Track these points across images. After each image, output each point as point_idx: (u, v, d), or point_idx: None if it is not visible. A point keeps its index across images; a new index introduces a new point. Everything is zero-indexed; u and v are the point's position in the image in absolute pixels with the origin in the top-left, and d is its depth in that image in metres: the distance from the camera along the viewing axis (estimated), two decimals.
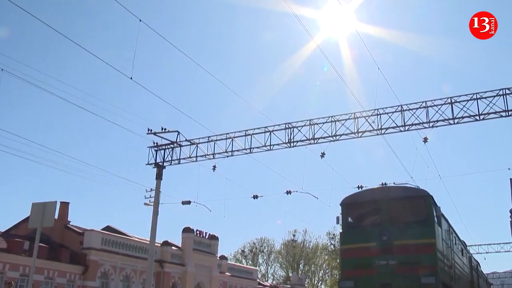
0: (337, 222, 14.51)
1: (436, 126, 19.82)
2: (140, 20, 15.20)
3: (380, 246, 13.37)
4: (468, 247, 32.54)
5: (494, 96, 18.72)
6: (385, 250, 13.20)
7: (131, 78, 16.45)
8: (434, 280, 12.23)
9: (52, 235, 32.14)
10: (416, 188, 15.08)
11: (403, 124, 19.96)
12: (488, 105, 18.80)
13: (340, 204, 14.93)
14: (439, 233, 13.75)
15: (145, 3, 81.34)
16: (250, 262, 75.92)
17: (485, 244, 48.84)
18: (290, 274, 69.88)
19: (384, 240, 13.29)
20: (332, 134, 20.87)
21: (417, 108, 19.87)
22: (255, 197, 25.95)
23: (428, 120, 19.64)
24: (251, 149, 22.51)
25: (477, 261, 28.61)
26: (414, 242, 13.03)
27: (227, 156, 23.18)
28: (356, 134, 20.70)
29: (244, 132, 22.78)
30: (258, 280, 54.35)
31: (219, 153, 23.22)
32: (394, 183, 15.85)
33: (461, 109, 19.16)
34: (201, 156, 23.72)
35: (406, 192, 14.55)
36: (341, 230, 15.17)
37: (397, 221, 13.84)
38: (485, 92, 18.97)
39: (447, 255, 14.81)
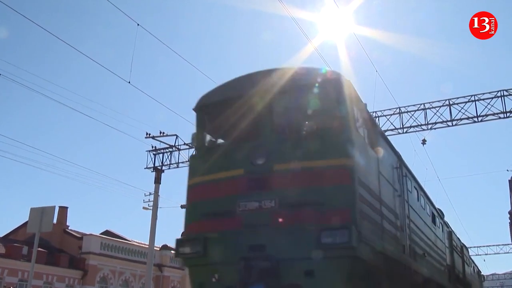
0: (192, 145, 8.00)
1: (435, 128, 19.87)
2: (138, 24, 15.19)
3: (251, 175, 6.75)
4: (468, 249, 31.88)
5: (492, 98, 18.77)
6: (259, 183, 6.64)
7: (129, 82, 16.40)
8: (347, 238, 5.82)
9: (51, 240, 32.06)
10: (317, 69, 7.37)
11: (401, 126, 19.99)
12: (486, 106, 18.86)
13: (194, 109, 7.95)
14: (365, 153, 7.17)
15: (143, 7, 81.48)
16: None
17: (484, 246, 48.75)
18: None
19: (258, 165, 6.75)
20: None
21: (415, 110, 19.92)
22: None
23: (426, 122, 19.68)
24: None
25: (463, 244, 19.80)
26: (310, 166, 6.49)
27: None
28: None
29: None
30: None
31: None
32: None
33: (459, 111, 19.20)
34: None
35: (301, 76, 7.17)
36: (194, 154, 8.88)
37: (283, 129, 7.25)
38: (483, 93, 19.04)
39: (388, 202, 7.94)
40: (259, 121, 7.09)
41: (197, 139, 7.86)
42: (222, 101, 7.49)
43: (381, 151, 8.03)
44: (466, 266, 19.26)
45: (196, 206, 7.21)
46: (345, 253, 5.84)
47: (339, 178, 6.30)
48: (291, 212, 6.27)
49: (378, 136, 8.24)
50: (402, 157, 10.01)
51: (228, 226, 6.66)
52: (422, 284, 9.87)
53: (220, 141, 7.92)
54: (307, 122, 6.87)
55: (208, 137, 7.92)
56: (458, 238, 18.61)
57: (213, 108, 7.67)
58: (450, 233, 15.87)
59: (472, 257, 30.21)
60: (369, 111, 9.12)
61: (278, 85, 7.08)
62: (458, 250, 17.61)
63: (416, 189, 10.85)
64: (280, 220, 6.28)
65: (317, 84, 6.98)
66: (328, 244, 5.82)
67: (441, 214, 14.55)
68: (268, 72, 7.25)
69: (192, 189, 7.41)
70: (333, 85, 6.84)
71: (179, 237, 7.52)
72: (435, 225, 12.87)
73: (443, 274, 13.23)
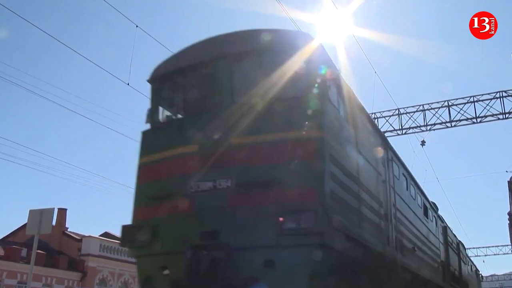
0: (146, 120, 6.72)
1: (434, 129, 19.92)
2: (137, 26, 15.21)
3: (206, 151, 5.77)
4: (466, 250, 31.85)
5: (491, 99, 18.82)
6: (214, 160, 5.68)
7: (128, 84, 16.41)
8: (313, 222, 4.90)
9: (50, 242, 32.01)
10: (283, 31, 6.43)
11: (400, 127, 20.03)
12: (485, 107, 18.94)
13: (149, 81, 6.92)
14: (339, 126, 6.18)
15: (142, 8, 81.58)
16: None
17: (483, 247, 48.79)
18: None
19: (214, 140, 5.75)
20: None
21: (414, 112, 19.96)
22: None
23: (425, 123, 19.74)
24: None
25: (459, 241, 18.35)
26: (273, 139, 5.53)
27: None
28: None
29: None
30: None
31: None
32: None
33: (458, 112, 19.27)
34: None
35: (264, 40, 6.08)
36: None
37: (244, 99, 5.95)
38: (482, 95, 19.10)
39: (369, 187, 6.92)
40: (216, 90, 6.10)
41: (151, 114, 6.63)
42: (179, 70, 6.62)
43: (360, 127, 6.92)
44: (462, 264, 18.12)
45: (145, 189, 6.18)
46: (311, 241, 4.90)
47: (306, 153, 5.24)
48: (249, 193, 5.28)
49: (358, 111, 7.07)
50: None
51: (178, 210, 5.62)
52: (411, 281, 9.06)
53: (179, 116, 6.89)
54: (270, 90, 5.73)
55: (165, 113, 6.88)
56: (454, 235, 17.50)
57: (169, 78, 6.77)
58: (445, 228, 14.84)
59: (471, 258, 30.18)
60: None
61: (238, 50, 6.09)
62: (454, 246, 16.28)
63: (405, 177, 9.83)
64: (237, 202, 5.27)
65: (282, 48, 5.90)
66: (290, 229, 4.87)
67: (434, 207, 13.49)
68: (228, 36, 6.28)
69: (141, 170, 6.40)
70: (300, 49, 5.78)
71: (126, 223, 6.25)
72: (427, 218, 11.79)
73: (437, 271, 12.27)
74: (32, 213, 12.39)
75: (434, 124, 19.67)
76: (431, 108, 19.68)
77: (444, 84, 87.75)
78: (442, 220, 14.85)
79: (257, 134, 5.52)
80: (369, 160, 7.17)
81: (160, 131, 6.49)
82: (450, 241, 15.57)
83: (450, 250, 14.99)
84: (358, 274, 6.16)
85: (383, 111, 20.47)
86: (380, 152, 7.92)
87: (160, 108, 6.78)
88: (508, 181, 35.17)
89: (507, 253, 48.32)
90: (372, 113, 20.45)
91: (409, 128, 19.98)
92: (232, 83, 6.06)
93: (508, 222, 43.17)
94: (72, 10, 78.69)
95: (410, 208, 9.76)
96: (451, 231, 16.65)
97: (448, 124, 19.52)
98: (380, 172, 7.76)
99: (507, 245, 47.50)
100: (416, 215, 10.40)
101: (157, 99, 6.80)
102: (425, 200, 11.96)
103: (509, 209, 41.76)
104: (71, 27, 78.97)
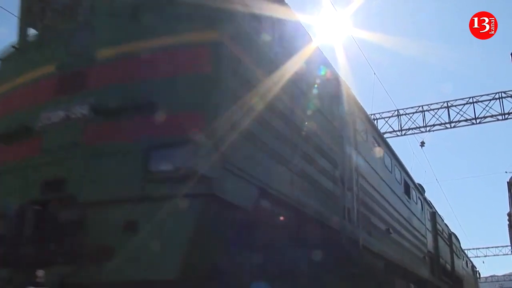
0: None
1: (433, 130, 19.91)
2: None
3: (63, 72, 4.18)
4: (466, 251, 31.43)
5: (490, 100, 18.82)
6: (72, 82, 4.07)
7: None
8: (193, 159, 3.25)
9: None
10: None
11: (400, 128, 20.02)
12: (484, 108, 18.93)
13: None
14: (248, 29, 4.34)
15: None
16: None
17: (483, 248, 48.73)
18: None
19: (74, 56, 4.18)
20: None
21: (413, 113, 19.96)
22: None
23: (424, 124, 19.73)
24: None
25: (452, 232, 16.87)
26: (148, 47, 3.86)
27: None
28: None
29: None
30: None
31: None
32: None
33: (458, 113, 19.28)
34: None
35: None
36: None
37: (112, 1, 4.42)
38: (481, 95, 19.12)
39: (309, 133, 5.16)
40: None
41: (19, 34, 5.00)
42: None
43: (292, 35, 5.22)
44: (455, 257, 16.31)
45: None
46: (191, 188, 3.20)
47: (194, 63, 3.69)
48: (112, 124, 3.73)
49: (290, 14, 5.11)
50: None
51: (20, 154, 4.13)
52: (386, 271, 7.54)
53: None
54: None
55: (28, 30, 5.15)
56: (446, 225, 15.89)
57: None
58: (434, 214, 13.18)
59: (471, 259, 29.99)
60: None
61: None
62: (445, 237, 14.71)
63: (376, 140, 8.14)
64: (94, 137, 3.77)
65: None
66: (160, 172, 3.33)
67: (420, 189, 12.01)
68: None
69: None
70: None
71: None
72: (409, 198, 10.12)
73: (422, 262, 10.70)
74: None
75: (434, 125, 19.68)
76: (431, 109, 19.70)
77: (443, 84, 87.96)
78: (431, 205, 13.27)
79: (128, 43, 3.98)
80: (312, 99, 5.37)
81: (16, 55, 4.86)
82: (440, 229, 13.75)
83: (440, 240, 13.26)
84: (285, 251, 4.49)
85: (383, 112, 20.49)
86: (334, 97, 6.11)
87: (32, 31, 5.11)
88: (507, 182, 35.16)
89: (507, 254, 48.24)
90: (371, 114, 20.44)
91: (409, 129, 19.97)
92: None
93: (508, 222, 43.10)
94: None
95: (384, 181, 8.10)
96: (442, 219, 14.97)
97: (448, 125, 19.52)
98: (335, 123, 6.04)
99: (507, 246, 47.43)
100: (393, 191, 8.71)
101: (23, 16, 5.12)
102: (406, 177, 10.24)
103: (508, 210, 41.75)
104: None
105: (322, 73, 6.00)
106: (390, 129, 20.08)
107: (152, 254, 3.24)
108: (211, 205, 3.40)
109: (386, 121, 20.22)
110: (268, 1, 4.78)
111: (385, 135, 20.04)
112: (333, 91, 6.23)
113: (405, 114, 20.05)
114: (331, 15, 13.13)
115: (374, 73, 21.15)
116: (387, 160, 8.80)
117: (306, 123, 5.13)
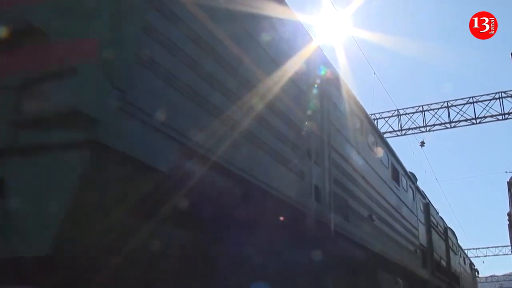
0: None
1: (433, 130, 19.88)
2: None
3: None
4: (466, 251, 31.25)
5: (490, 100, 18.80)
6: None
7: None
8: (74, 93, 2.41)
9: None
10: None
11: (400, 128, 20.00)
12: (484, 108, 18.89)
13: None
14: None
15: None
16: None
17: (483, 248, 48.70)
18: None
19: None
20: None
21: (413, 113, 19.94)
22: None
23: (424, 124, 19.70)
24: None
25: (448, 226, 15.98)
26: None
27: None
28: None
29: None
30: None
31: None
32: None
33: (458, 112, 19.24)
34: None
35: None
36: None
37: None
38: (481, 95, 19.08)
39: (267, 88, 4.27)
40: None
41: None
42: None
43: None
44: (452, 253, 15.53)
45: None
46: (71, 134, 2.45)
47: None
48: None
49: None
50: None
51: None
52: (366, 261, 6.76)
53: None
54: None
55: None
56: (442, 218, 15.01)
57: None
58: (427, 205, 12.39)
59: (471, 258, 29.95)
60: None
61: None
62: (440, 230, 13.87)
63: (355, 115, 7.16)
64: None
65: None
66: (34, 114, 2.54)
67: (412, 178, 11.27)
68: None
69: None
70: None
71: None
72: (398, 185, 9.29)
73: (413, 256, 10.00)
74: None
75: (434, 125, 19.65)
76: (431, 109, 19.67)
77: (443, 84, 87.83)
78: (424, 196, 12.48)
79: None
80: (271, 54, 4.52)
81: None
82: (435, 222, 12.84)
83: (434, 233, 12.49)
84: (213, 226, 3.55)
85: (383, 112, 20.46)
86: (298, 61, 5.16)
87: None
88: (507, 182, 35.11)
89: (507, 254, 48.20)
90: (371, 114, 20.44)
91: (409, 129, 19.95)
92: None
93: (508, 222, 43.08)
94: None
95: (365, 161, 7.20)
96: (437, 212, 14.06)
97: (448, 125, 19.49)
98: (302, 87, 5.23)
99: (507, 246, 47.41)
100: (378, 174, 7.85)
101: None
102: (395, 161, 9.31)
103: (508, 210, 41.75)
104: None
105: (298, 45, 5.20)
106: (390, 129, 20.09)
107: (23, 224, 2.44)
108: (101, 159, 2.49)
109: (386, 121, 20.22)
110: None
111: (385, 135, 20.07)
112: (303, 59, 5.31)
113: (405, 114, 20.04)
114: (331, 15, 13.12)
115: (374, 73, 21.20)
116: (371, 139, 7.83)
117: (265, 84, 4.28)
